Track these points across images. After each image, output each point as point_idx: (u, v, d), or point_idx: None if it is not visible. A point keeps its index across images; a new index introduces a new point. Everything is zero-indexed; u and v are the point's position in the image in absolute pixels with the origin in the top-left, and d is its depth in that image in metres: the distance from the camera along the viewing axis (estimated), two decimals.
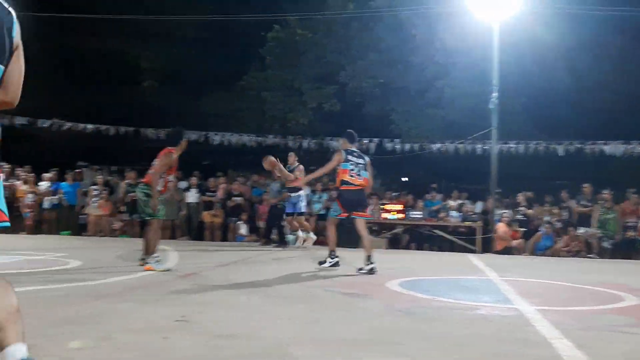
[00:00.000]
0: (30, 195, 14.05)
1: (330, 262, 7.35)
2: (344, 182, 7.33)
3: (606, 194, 12.06)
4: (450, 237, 12.65)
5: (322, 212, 12.64)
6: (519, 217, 12.76)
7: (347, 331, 3.60)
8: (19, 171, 14.66)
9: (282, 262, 8.37)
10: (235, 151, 17.93)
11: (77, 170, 15.31)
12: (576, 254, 11.60)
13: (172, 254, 8.68)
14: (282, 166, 10.52)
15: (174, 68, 19.31)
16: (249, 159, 18.28)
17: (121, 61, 18.64)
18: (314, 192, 13.39)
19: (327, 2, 16.45)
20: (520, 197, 13.28)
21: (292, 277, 6.54)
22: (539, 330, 3.76)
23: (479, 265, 8.88)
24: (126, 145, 17.01)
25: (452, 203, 13.46)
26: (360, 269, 7.03)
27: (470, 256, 10.93)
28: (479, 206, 13.74)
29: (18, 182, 14.34)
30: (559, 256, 11.40)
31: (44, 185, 14.31)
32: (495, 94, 12.55)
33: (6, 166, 14.74)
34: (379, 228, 13.09)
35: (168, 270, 6.61)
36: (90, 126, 17.63)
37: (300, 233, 10.63)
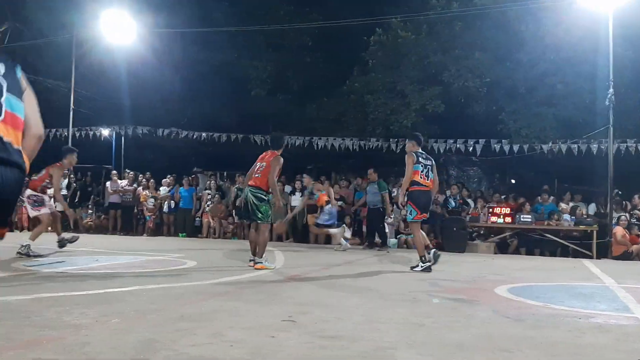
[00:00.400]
0: (151, 200, 15.15)
1: (421, 267, 7.32)
2: (414, 183, 7.46)
3: None
4: (562, 241, 12.00)
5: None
6: (633, 220, 11.92)
7: (452, 336, 3.56)
8: (142, 177, 15.84)
9: (385, 265, 8.39)
10: (339, 155, 18.16)
11: (192, 176, 16.28)
12: None
13: (279, 256, 8.98)
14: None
15: (280, 76, 19.93)
16: (351, 162, 18.46)
17: (232, 72, 19.53)
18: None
19: (430, 2, 16.24)
20: (637, 199, 12.39)
21: (396, 280, 6.55)
22: None
23: (595, 271, 8.38)
24: (236, 151, 17.78)
25: (564, 206, 12.78)
26: (414, 268, 7.32)
27: (585, 262, 10.33)
28: (591, 208, 12.98)
29: (140, 188, 15.51)
30: None
31: (163, 190, 15.35)
32: (611, 90, 11.82)
33: (130, 173, 15.99)
34: (486, 232, 12.71)
35: (275, 270, 6.87)
36: (204, 134, 18.64)
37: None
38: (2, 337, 3.14)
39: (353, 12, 17.04)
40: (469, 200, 13.72)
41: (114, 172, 16.47)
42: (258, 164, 7.31)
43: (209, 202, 14.74)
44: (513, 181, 20.28)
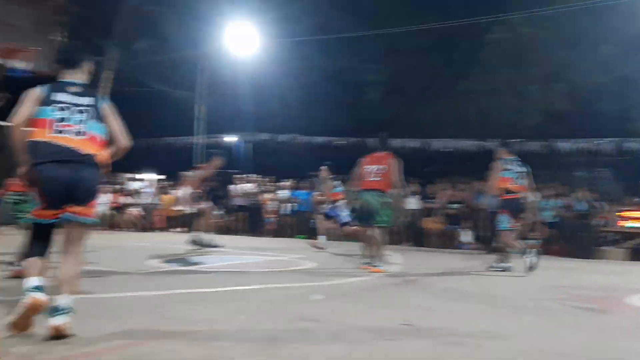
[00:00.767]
0: (272, 202, 15.77)
1: (499, 268, 7.51)
2: (507, 192, 7.40)
3: None
4: None
5: (555, 219, 11.89)
6: None
7: (582, 348, 3.38)
8: (264, 180, 16.55)
9: (508, 271, 8.07)
10: (456, 157, 17.74)
11: (310, 179, 16.69)
12: None
13: (396, 259, 8.96)
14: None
15: (395, 79, 19.89)
16: (470, 164, 17.94)
17: (348, 77, 19.80)
18: (545, 198, 12.64)
19: None
20: None
21: (521, 287, 6.28)
22: None
23: None
24: (351, 155, 17.99)
25: None
26: (491, 267, 7.52)
27: None
28: None
29: (263, 191, 16.20)
30: None
31: (283, 193, 15.91)
32: None
33: (254, 177, 16.75)
34: (618, 237, 11.79)
35: (392, 273, 6.87)
36: (322, 138, 19.07)
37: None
38: (142, 330, 3.44)
39: (470, 11, 16.58)
40: (599, 204, 12.78)
41: (239, 176, 17.31)
42: (374, 167, 7.24)
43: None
44: None
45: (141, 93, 21.54)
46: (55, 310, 3.11)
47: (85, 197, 3.34)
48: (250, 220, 16.01)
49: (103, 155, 3.47)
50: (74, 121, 3.35)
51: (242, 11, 18.30)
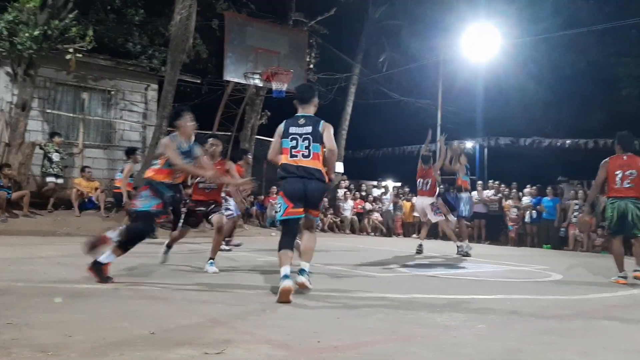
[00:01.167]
0: (514, 210, 15.11)
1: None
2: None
3: None
4: None
5: None
6: None
7: None
8: (504, 187, 15.95)
9: None
10: None
11: (556, 185, 15.60)
12: None
13: None
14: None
15: None
16: None
17: (599, 72, 18.07)
18: None
19: None
20: None
21: None
22: None
23: None
24: (605, 157, 16.30)
25: None
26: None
27: None
28: None
29: (504, 198, 15.63)
30: None
31: (526, 200, 15.13)
32: None
33: (495, 183, 16.26)
34: None
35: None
36: (568, 141, 17.66)
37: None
38: (386, 329, 3.66)
39: None
40: None
41: (479, 182, 17.00)
42: (625, 172, 6.64)
43: (575, 213, 13.87)
44: None
45: (384, 105, 22.55)
46: (300, 272, 4.71)
47: (314, 202, 4.88)
48: (490, 229, 15.59)
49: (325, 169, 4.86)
50: (300, 147, 4.79)
51: (481, 15, 18.00)
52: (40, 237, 10.17)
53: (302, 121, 4.88)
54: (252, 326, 3.51)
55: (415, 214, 17.57)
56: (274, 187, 14.95)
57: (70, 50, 12.17)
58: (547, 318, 4.32)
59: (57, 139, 12.94)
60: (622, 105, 17.65)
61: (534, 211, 14.68)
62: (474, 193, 16.06)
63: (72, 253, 7.79)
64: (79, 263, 6.61)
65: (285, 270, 4.46)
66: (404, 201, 18.22)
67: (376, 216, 18.00)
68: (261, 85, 13.95)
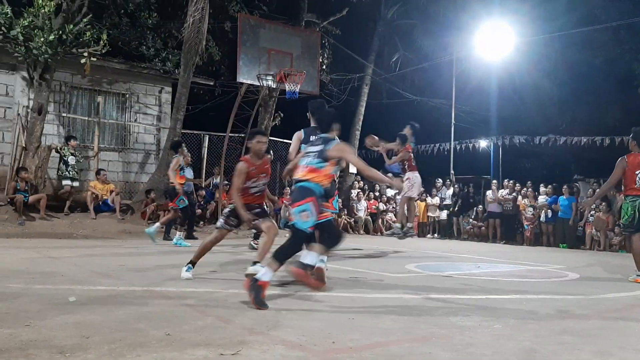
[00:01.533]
0: (530, 209, 15.00)
1: None
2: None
3: None
4: None
5: None
6: None
7: None
8: (519, 186, 15.83)
9: None
10: None
11: (573, 184, 15.45)
12: None
13: None
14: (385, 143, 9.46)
15: None
16: None
17: (616, 69, 17.89)
18: None
19: None
20: None
21: None
22: None
23: None
24: (622, 155, 16.11)
25: None
26: None
27: None
28: None
29: (520, 197, 15.51)
30: None
31: (542, 199, 15.01)
32: None
33: (510, 182, 16.16)
34: None
35: None
36: (584, 139, 17.49)
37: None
38: (401, 330, 3.65)
39: None
40: None
41: (494, 181, 16.90)
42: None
43: (592, 212, 13.74)
44: None
45: (398, 104, 22.49)
46: (321, 261, 5.14)
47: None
48: (505, 228, 15.48)
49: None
50: (306, 163, 4.97)
51: (494, 13, 17.90)
52: (57, 240, 10.29)
53: (317, 141, 5.19)
54: (267, 327, 3.53)
55: (429, 213, 17.54)
56: (288, 189, 14.98)
57: (85, 54, 12.30)
58: (563, 318, 4.29)
59: (72, 142, 13.08)
60: (639, 101, 17.46)
61: (549, 210, 14.56)
62: (489, 192, 15.97)
63: (89, 255, 7.88)
64: (95, 265, 6.67)
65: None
66: (418, 201, 18.16)
67: (390, 216, 17.96)
68: (274, 86, 13.99)
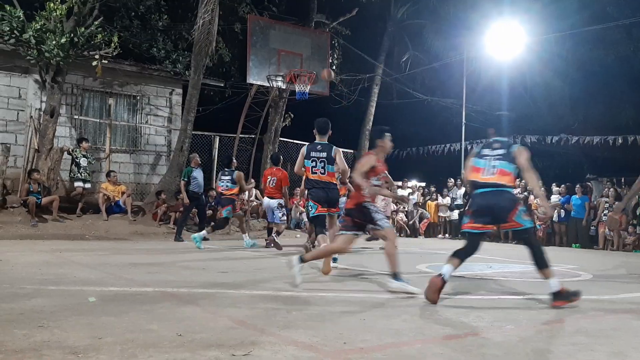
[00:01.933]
0: (542, 209, 14.88)
1: None
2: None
3: None
4: None
5: None
6: None
7: None
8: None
9: None
10: None
11: (586, 183, 15.33)
12: None
13: None
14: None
15: None
16: None
17: (629, 67, 17.72)
18: None
19: None
20: None
21: None
22: None
23: None
24: (636, 154, 15.96)
25: None
26: None
27: None
28: None
29: (531, 197, 15.40)
30: None
31: (554, 198, 14.90)
32: None
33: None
34: None
35: None
36: (597, 138, 17.34)
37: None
38: (412, 330, 3.63)
39: None
40: None
41: None
42: None
43: (605, 211, 13.62)
44: None
45: (408, 104, 22.41)
46: (333, 260, 6.31)
47: (333, 203, 7.04)
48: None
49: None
50: (318, 167, 6.76)
51: (505, 12, 17.79)
52: (69, 241, 10.36)
53: (319, 147, 6.79)
54: (278, 328, 3.53)
55: (440, 213, 17.48)
56: (298, 189, 14.99)
57: (96, 56, 12.39)
58: (576, 318, 4.25)
59: (84, 144, 13.18)
60: None
61: (562, 210, 14.46)
62: None
63: (101, 256, 7.93)
64: (107, 266, 6.71)
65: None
66: (429, 201, 18.11)
67: (401, 216, 17.91)
68: (284, 87, 14.01)
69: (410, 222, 17.90)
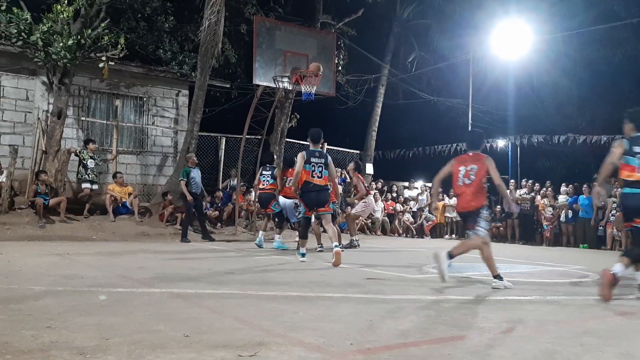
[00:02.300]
0: (549, 209, 14.84)
1: None
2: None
3: None
4: None
5: None
6: None
7: None
8: (537, 186, 15.67)
9: None
10: None
11: (593, 183, 15.24)
12: None
13: None
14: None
15: None
16: None
17: (636, 66, 17.63)
18: None
19: None
20: None
21: None
22: None
23: None
24: None
25: None
26: None
27: None
28: None
29: (539, 196, 15.35)
30: None
31: (562, 199, 14.85)
32: None
33: (528, 182, 16.00)
34: None
35: None
36: (604, 137, 17.26)
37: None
38: (419, 331, 3.63)
39: None
40: None
41: (512, 181, 16.73)
42: None
43: (613, 212, 13.55)
44: None
45: (414, 104, 22.37)
46: (335, 247, 7.41)
47: (322, 204, 7.92)
48: (524, 228, 15.34)
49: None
50: (317, 171, 7.83)
51: (511, 11, 17.74)
52: (77, 242, 10.41)
53: (317, 154, 7.95)
54: (285, 328, 3.53)
55: (448, 214, 17.44)
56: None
57: (103, 58, 12.43)
58: (584, 319, 4.24)
59: (91, 145, 13.23)
60: None
61: (570, 210, 14.39)
62: (510, 192, 15.84)
63: (108, 257, 7.96)
64: (115, 267, 6.74)
65: (303, 250, 8.02)
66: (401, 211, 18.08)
67: (407, 217, 17.89)
68: (290, 88, 14.01)
69: (416, 224, 17.88)
